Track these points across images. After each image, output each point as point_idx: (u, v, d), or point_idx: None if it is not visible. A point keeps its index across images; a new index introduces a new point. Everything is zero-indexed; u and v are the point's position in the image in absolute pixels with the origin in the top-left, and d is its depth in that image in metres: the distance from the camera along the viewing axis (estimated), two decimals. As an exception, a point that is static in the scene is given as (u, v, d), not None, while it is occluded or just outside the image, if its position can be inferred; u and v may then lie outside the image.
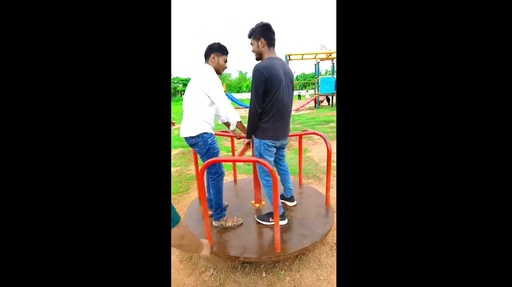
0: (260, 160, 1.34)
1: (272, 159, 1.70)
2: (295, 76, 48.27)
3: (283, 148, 1.84)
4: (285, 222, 1.71)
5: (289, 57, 4.89)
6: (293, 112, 11.42)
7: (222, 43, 1.72)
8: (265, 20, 1.59)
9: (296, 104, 16.31)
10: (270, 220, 1.72)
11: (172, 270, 1.56)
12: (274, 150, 1.68)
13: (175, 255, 1.72)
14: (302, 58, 4.81)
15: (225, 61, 1.73)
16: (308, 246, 1.47)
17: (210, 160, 1.39)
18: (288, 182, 1.96)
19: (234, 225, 1.73)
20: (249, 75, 42.91)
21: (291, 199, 1.99)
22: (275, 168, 1.90)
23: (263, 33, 1.56)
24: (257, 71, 1.47)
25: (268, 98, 1.52)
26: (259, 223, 1.74)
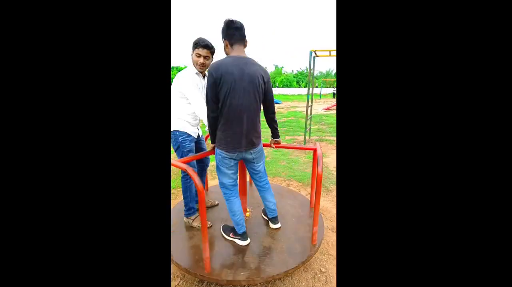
0: (184, 166, 1.23)
1: (231, 172, 1.45)
2: (332, 73, 45.88)
3: (253, 162, 1.50)
4: (245, 242, 1.51)
5: (315, 54, 4.56)
6: (322, 112, 10.93)
7: (200, 38, 1.58)
8: (230, 17, 1.32)
9: (328, 103, 15.63)
10: (231, 235, 1.55)
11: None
12: (232, 162, 1.41)
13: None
14: (329, 55, 4.45)
15: (198, 55, 1.57)
16: (242, 280, 1.25)
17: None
18: (268, 200, 1.65)
19: (198, 226, 1.71)
20: (285, 69, 42.11)
21: (273, 220, 1.69)
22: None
23: (223, 33, 1.34)
24: (208, 72, 1.29)
25: (220, 103, 1.30)
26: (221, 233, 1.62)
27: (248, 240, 1.52)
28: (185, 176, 1.73)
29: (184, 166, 1.22)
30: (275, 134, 1.68)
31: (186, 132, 1.65)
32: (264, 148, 1.64)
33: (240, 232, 1.51)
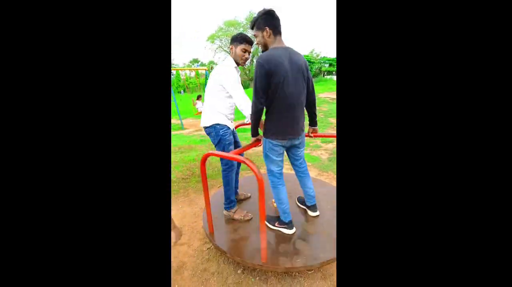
0: (246, 161, 1.22)
1: (279, 160, 1.57)
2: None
3: (298, 147, 1.63)
4: (291, 231, 1.61)
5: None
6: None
7: (242, 33, 1.67)
8: (268, 7, 1.39)
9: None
10: (276, 224, 1.65)
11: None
12: (282, 149, 1.54)
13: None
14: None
15: (244, 50, 1.65)
16: (299, 266, 1.35)
17: (205, 154, 1.43)
18: (308, 187, 1.74)
19: (241, 219, 1.78)
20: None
21: (312, 208, 1.78)
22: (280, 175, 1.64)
23: (267, 22, 1.40)
24: (258, 64, 1.34)
25: (271, 93, 1.38)
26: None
27: (294, 229, 1.61)
28: (226, 169, 1.78)
29: (242, 158, 1.28)
30: (313, 121, 1.74)
31: (226, 125, 1.74)
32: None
33: (286, 220, 1.60)
